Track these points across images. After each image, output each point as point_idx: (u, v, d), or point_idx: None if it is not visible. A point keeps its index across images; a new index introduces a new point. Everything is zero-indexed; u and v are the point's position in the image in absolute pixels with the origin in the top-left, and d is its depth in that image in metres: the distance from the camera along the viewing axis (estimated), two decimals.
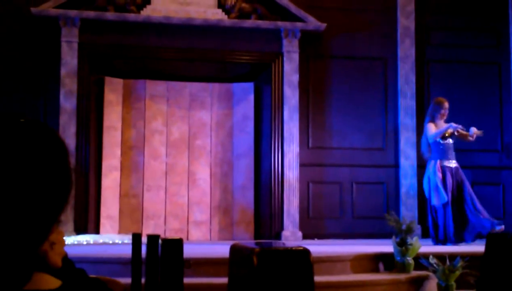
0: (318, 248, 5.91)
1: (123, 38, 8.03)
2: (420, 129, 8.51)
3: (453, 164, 7.19)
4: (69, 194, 1.03)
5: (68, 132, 7.67)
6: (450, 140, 7.21)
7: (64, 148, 1.04)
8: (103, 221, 8.19)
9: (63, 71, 7.78)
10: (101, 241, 7.28)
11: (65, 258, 1.19)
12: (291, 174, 8.12)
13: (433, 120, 7.28)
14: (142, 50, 8.17)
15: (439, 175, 7.07)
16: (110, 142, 8.35)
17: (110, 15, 7.88)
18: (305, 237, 8.00)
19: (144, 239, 3.91)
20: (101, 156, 8.29)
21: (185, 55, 8.25)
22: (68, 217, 7.42)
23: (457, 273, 5.16)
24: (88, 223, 7.94)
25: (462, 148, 7.70)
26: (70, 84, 7.78)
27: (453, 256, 5.33)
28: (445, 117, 7.29)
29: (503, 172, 8.74)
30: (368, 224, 8.31)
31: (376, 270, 5.91)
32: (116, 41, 8.03)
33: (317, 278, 3.81)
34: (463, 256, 5.35)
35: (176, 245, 3.08)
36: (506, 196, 8.70)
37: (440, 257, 5.36)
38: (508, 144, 8.75)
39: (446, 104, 7.28)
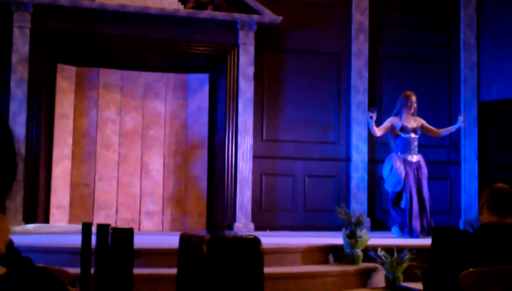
0: (269, 239, 5.96)
1: (77, 25, 7.90)
2: None
3: (414, 158, 7.31)
4: (13, 179, 1.02)
5: (19, 120, 7.52)
6: (413, 135, 7.34)
7: (9, 132, 1.03)
8: (53, 210, 8.06)
9: (14, 58, 7.61)
10: (50, 230, 7.18)
11: (11, 246, 1.18)
12: (245, 166, 8.15)
13: (397, 114, 7.40)
14: (96, 38, 8.05)
15: (397, 163, 7.22)
16: (61, 130, 8.22)
17: (64, 1, 7.73)
18: (257, 228, 8.05)
19: (94, 229, 3.87)
20: (52, 144, 8.16)
21: (140, 44, 8.17)
22: (16, 205, 7.29)
23: (405, 265, 5.27)
24: (37, 212, 7.80)
25: None
26: (21, 71, 7.62)
27: (400, 249, 5.45)
28: (412, 111, 7.40)
29: (450, 167, 8.96)
30: (319, 217, 8.41)
31: (326, 261, 6.00)
32: (69, 28, 7.90)
33: (268, 269, 3.85)
34: (411, 248, 5.47)
35: (126, 234, 3.06)
36: (452, 191, 8.93)
37: (388, 249, 5.48)
38: (456, 141, 8.97)
39: (413, 98, 7.38)
